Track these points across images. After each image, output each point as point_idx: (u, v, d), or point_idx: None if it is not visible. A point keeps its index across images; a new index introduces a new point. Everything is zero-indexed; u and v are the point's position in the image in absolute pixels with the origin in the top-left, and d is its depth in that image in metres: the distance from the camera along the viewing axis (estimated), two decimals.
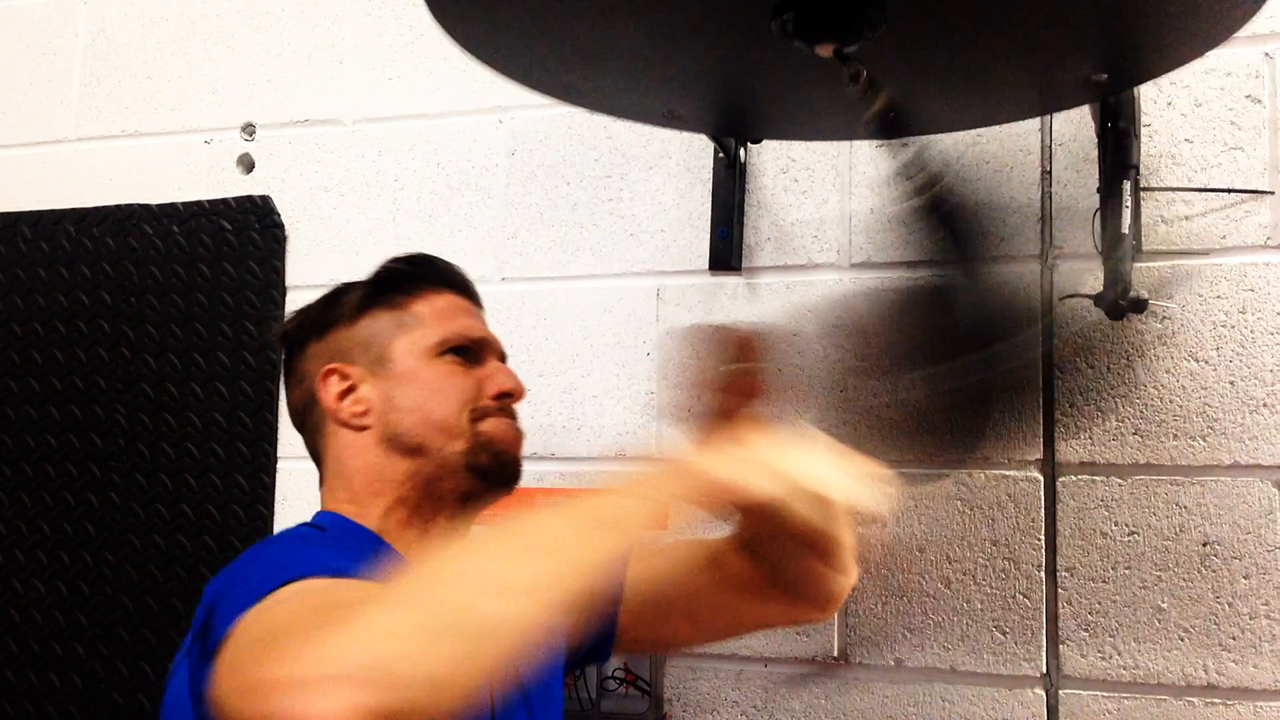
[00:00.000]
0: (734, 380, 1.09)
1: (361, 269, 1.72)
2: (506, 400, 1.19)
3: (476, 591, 0.77)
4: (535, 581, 0.80)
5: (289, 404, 1.24)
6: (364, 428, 1.16)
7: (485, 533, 0.86)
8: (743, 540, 1.25)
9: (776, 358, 1.10)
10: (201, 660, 0.89)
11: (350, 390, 1.17)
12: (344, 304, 1.21)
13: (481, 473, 1.15)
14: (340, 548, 1.07)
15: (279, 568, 0.89)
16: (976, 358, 1.19)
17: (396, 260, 1.25)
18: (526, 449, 1.21)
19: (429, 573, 0.80)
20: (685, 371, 1.17)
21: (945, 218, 1.22)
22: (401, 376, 1.16)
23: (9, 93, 2.04)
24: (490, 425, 1.16)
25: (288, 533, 1.15)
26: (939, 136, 1.33)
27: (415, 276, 1.23)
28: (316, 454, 1.21)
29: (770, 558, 1.25)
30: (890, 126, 1.21)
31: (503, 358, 1.24)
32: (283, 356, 1.25)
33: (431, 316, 1.19)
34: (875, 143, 1.40)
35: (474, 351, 1.20)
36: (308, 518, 1.19)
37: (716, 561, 1.27)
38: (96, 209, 1.93)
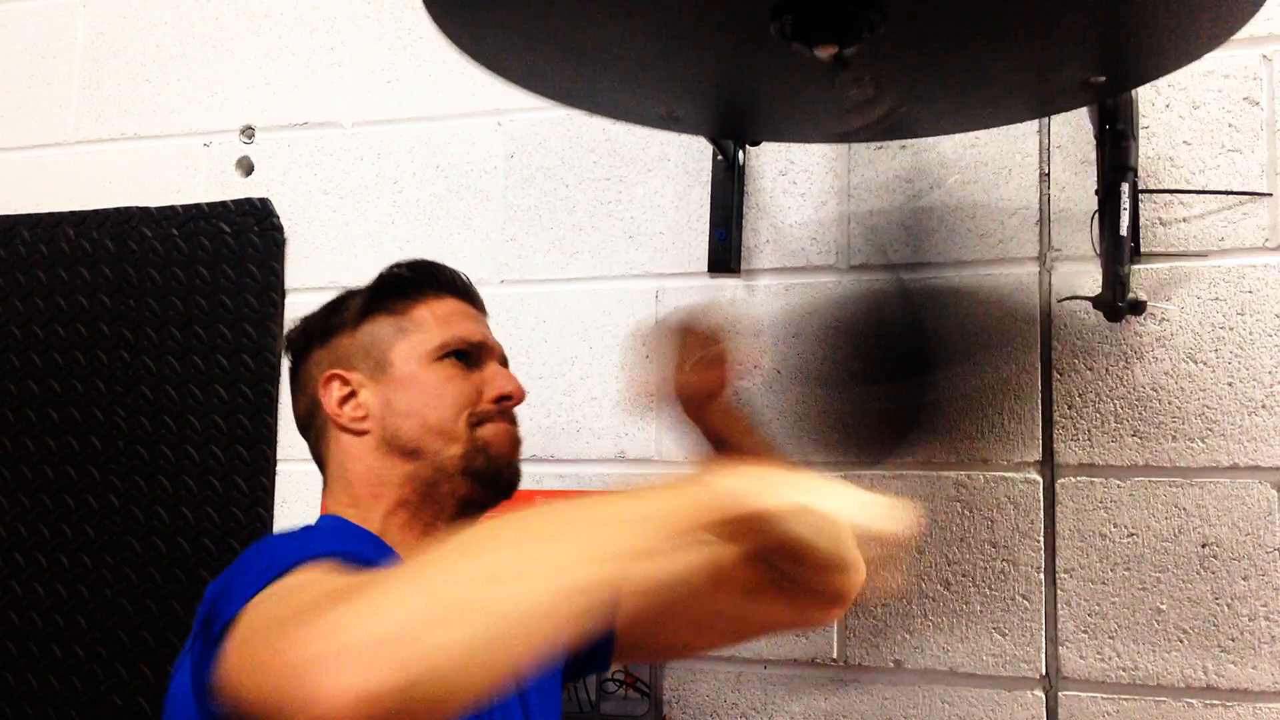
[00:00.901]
0: (705, 367, 1.10)
1: (361, 271, 1.72)
2: (506, 403, 1.19)
3: (494, 570, 0.74)
4: (560, 563, 0.76)
5: (294, 411, 1.25)
6: (364, 432, 1.16)
7: (504, 519, 0.82)
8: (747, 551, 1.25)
9: (741, 346, 1.13)
10: (204, 652, 0.89)
11: (351, 396, 1.17)
12: (346, 310, 1.22)
13: (478, 477, 1.15)
14: (341, 540, 1.08)
15: (281, 556, 0.89)
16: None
17: (398, 266, 1.25)
18: (525, 451, 1.22)
19: (444, 552, 0.77)
20: (658, 361, 1.18)
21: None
22: (401, 381, 1.17)
23: (8, 95, 2.04)
24: (487, 431, 1.17)
25: (287, 531, 1.15)
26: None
27: (416, 282, 1.23)
28: (320, 459, 1.21)
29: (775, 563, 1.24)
30: (883, 131, 1.22)
31: (504, 361, 1.24)
32: (288, 365, 1.26)
33: (432, 321, 1.20)
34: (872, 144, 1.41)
35: (474, 355, 1.20)
36: (307, 520, 1.19)
37: (718, 565, 1.26)
38: (96, 212, 1.93)
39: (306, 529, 1.14)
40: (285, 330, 1.29)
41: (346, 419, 1.17)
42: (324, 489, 1.20)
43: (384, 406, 1.16)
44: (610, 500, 0.84)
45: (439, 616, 0.70)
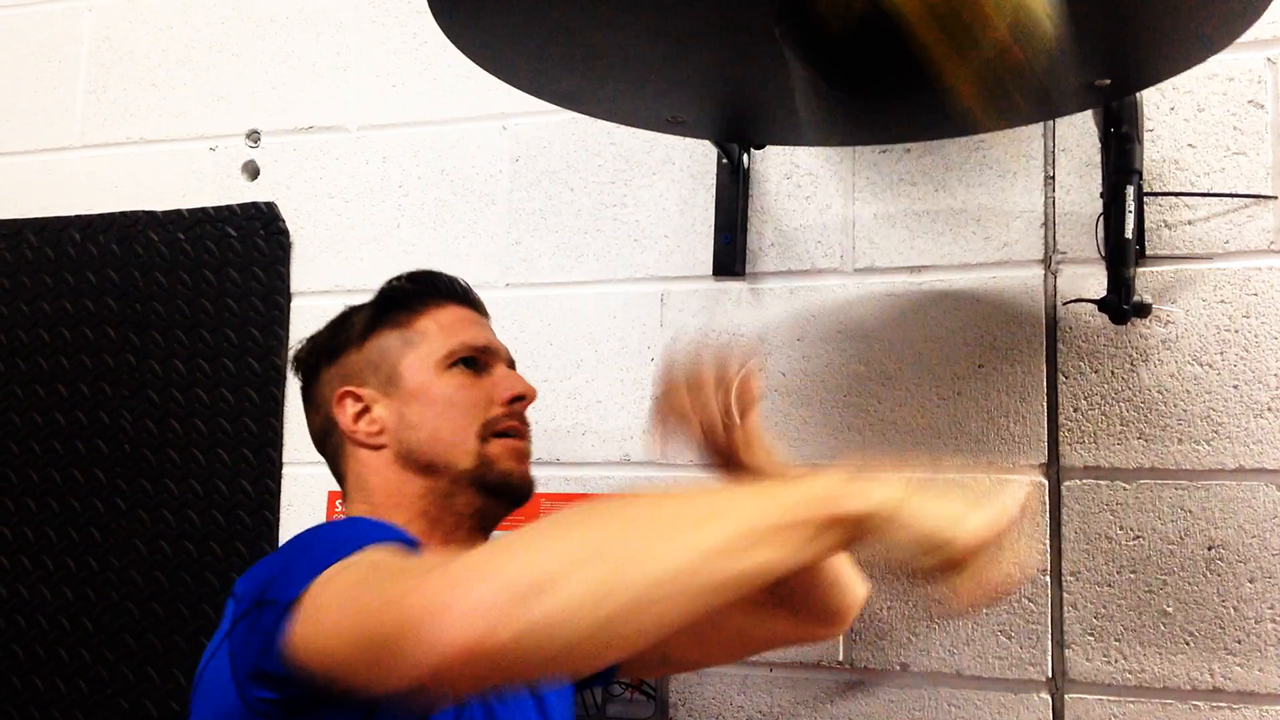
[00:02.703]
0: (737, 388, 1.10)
1: (366, 275, 1.73)
2: (518, 405, 1.20)
3: (625, 541, 0.76)
4: (691, 545, 0.77)
5: (310, 430, 1.25)
6: (380, 446, 1.17)
7: (617, 502, 0.83)
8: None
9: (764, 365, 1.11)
10: (264, 628, 0.90)
11: (365, 411, 1.19)
12: (351, 327, 1.23)
13: (490, 490, 1.17)
14: (390, 530, 1.08)
15: (344, 539, 0.91)
16: None
17: (398, 279, 1.27)
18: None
19: (567, 519, 0.79)
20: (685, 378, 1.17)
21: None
22: (412, 393, 1.18)
23: (14, 100, 2.05)
24: (495, 447, 1.18)
25: (328, 523, 1.17)
26: None
27: (418, 293, 1.24)
28: (339, 475, 1.22)
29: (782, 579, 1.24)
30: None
31: (511, 364, 1.25)
32: (299, 384, 1.27)
33: (437, 330, 1.21)
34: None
35: (481, 361, 1.21)
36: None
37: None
38: (102, 216, 1.94)
39: (344, 522, 1.16)
40: (291, 346, 1.30)
41: (363, 435, 1.18)
42: (344, 502, 1.22)
43: (398, 419, 1.17)
44: (723, 494, 0.88)
45: (561, 574, 0.72)
